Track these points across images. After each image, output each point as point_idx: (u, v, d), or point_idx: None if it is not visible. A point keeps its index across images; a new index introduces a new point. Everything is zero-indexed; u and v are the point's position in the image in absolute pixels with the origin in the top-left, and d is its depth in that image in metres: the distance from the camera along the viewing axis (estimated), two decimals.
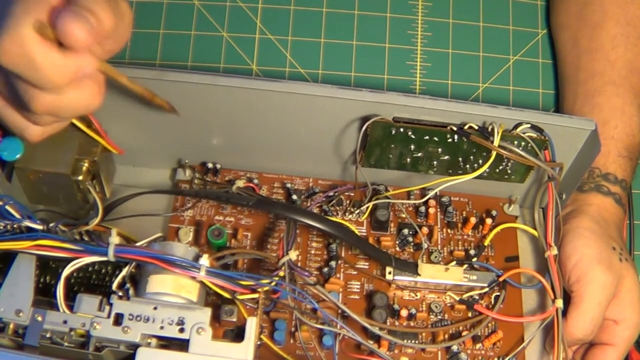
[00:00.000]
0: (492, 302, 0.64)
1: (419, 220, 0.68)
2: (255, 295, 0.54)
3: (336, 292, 0.64)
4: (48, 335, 0.51)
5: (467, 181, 0.62)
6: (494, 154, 0.60)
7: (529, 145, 0.61)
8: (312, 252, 0.66)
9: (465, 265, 0.64)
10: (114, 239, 0.52)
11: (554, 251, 0.61)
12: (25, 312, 0.51)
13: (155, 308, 0.51)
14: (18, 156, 0.60)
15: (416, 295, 0.65)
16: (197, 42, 0.78)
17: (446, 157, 0.63)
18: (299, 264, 0.65)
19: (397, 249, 0.67)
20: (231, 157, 0.68)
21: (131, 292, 0.53)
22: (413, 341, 0.63)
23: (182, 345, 0.51)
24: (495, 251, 0.67)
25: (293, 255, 0.57)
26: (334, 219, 0.67)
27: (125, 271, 0.53)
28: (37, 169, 0.61)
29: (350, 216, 0.68)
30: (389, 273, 0.63)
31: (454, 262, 0.65)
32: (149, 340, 0.52)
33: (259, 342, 0.55)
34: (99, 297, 0.52)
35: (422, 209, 0.67)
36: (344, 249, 0.66)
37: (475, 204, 0.70)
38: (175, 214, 0.67)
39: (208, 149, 0.68)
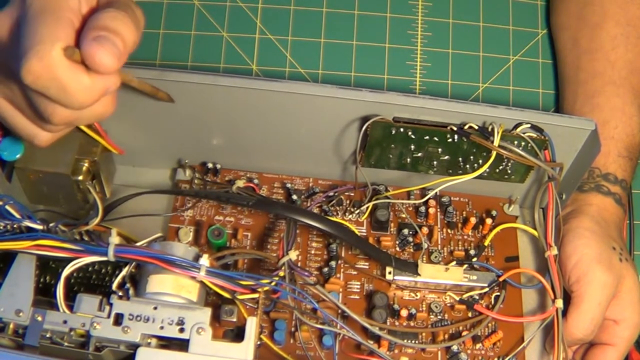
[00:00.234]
0: (492, 302, 0.64)
1: (419, 220, 0.68)
2: (255, 295, 0.54)
3: (336, 292, 0.64)
4: (48, 335, 0.51)
5: (467, 181, 0.62)
6: (494, 154, 0.60)
7: (529, 145, 0.61)
8: (312, 252, 0.66)
9: (465, 265, 0.64)
10: (114, 239, 0.52)
11: (554, 251, 0.61)
12: (25, 312, 0.51)
13: (155, 308, 0.51)
14: (18, 156, 0.60)
15: (416, 295, 0.65)
16: (197, 42, 0.78)
17: (446, 157, 0.63)
18: (299, 264, 0.65)
19: (397, 249, 0.67)
20: (231, 157, 0.68)
21: (131, 292, 0.53)
22: (413, 341, 0.63)
23: (182, 345, 0.51)
24: (495, 251, 0.67)
25: (293, 255, 0.57)
26: (334, 219, 0.67)
27: (125, 271, 0.53)
28: (37, 169, 0.61)
29: (350, 216, 0.68)
30: (389, 273, 0.63)
31: (454, 262, 0.65)
32: (149, 340, 0.52)
33: (259, 342, 0.55)
34: (99, 297, 0.52)
35: (422, 209, 0.67)
36: (344, 249, 0.66)
37: (475, 204, 0.70)
38: (175, 214, 0.67)
39: (208, 149, 0.68)
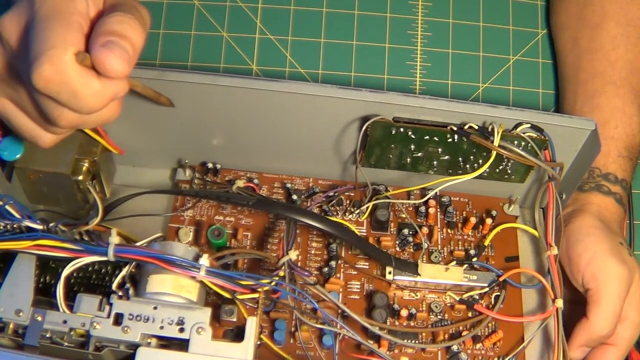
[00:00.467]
0: (492, 302, 0.64)
1: (419, 220, 0.68)
2: (255, 295, 0.54)
3: (336, 292, 0.64)
4: (48, 335, 0.51)
5: (467, 181, 0.62)
6: (494, 154, 0.60)
7: (529, 145, 0.61)
8: (312, 252, 0.66)
9: (465, 265, 0.64)
10: (114, 239, 0.52)
11: (554, 251, 0.61)
12: (25, 312, 0.51)
13: (155, 308, 0.51)
14: (18, 156, 0.60)
15: (416, 295, 0.65)
16: (197, 42, 0.78)
17: (446, 157, 0.63)
18: (299, 264, 0.65)
19: (397, 249, 0.67)
20: (231, 157, 0.68)
21: (131, 292, 0.53)
22: (413, 341, 0.62)
23: (182, 345, 0.51)
24: (495, 251, 0.67)
25: (293, 255, 0.57)
26: (334, 219, 0.67)
27: (125, 271, 0.53)
28: (37, 169, 0.61)
29: (350, 216, 0.68)
30: (389, 273, 0.63)
31: (454, 262, 0.65)
32: (149, 340, 0.52)
33: (259, 342, 0.55)
34: (99, 297, 0.52)
35: (422, 209, 0.67)
36: (344, 249, 0.66)
37: (475, 204, 0.70)
38: (175, 214, 0.67)
39: (208, 149, 0.68)
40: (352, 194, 0.69)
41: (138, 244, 0.53)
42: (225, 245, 0.65)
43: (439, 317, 0.64)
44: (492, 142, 0.59)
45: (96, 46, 0.46)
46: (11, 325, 0.52)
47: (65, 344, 0.52)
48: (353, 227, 0.66)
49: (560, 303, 0.60)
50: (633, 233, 0.74)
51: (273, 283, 0.55)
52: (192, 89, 0.59)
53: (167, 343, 0.52)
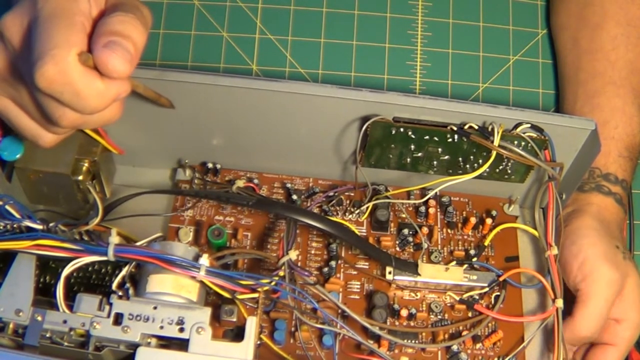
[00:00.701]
0: (492, 302, 0.64)
1: (419, 220, 0.68)
2: (255, 295, 0.54)
3: (336, 292, 0.64)
4: (48, 335, 0.51)
5: (467, 181, 0.62)
6: (494, 153, 0.60)
7: (529, 145, 0.61)
8: (312, 252, 0.66)
9: (465, 265, 0.64)
10: (114, 239, 0.52)
11: (554, 251, 0.61)
12: (25, 312, 0.51)
13: (155, 308, 0.51)
14: (18, 156, 0.60)
15: (416, 295, 0.65)
16: (197, 42, 0.78)
17: (446, 157, 0.63)
18: (299, 264, 0.65)
19: (397, 249, 0.67)
20: (231, 157, 0.68)
21: (131, 291, 0.53)
22: (413, 341, 0.62)
23: (182, 345, 0.51)
24: (495, 251, 0.67)
25: (293, 255, 0.57)
26: (334, 219, 0.67)
27: (125, 271, 0.53)
28: (37, 169, 0.61)
29: (350, 216, 0.68)
30: (389, 273, 0.63)
31: (454, 262, 0.65)
32: (148, 340, 0.52)
33: (259, 342, 0.55)
34: (99, 296, 0.52)
35: (422, 209, 0.67)
36: (344, 249, 0.66)
37: (475, 204, 0.70)
38: (175, 214, 0.67)
39: (208, 149, 0.68)
40: (352, 194, 0.69)
41: (138, 244, 0.53)
42: (225, 245, 0.65)
43: (439, 317, 0.64)
44: (492, 142, 0.59)
45: (98, 46, 0.46)
46: (11, 325, 0.52)
47: (65, 343, 0.52)
48: (353, 227, 0.66)
49: (560, 303, 0.60)
50: (633, 233, 0.74)
51: (273, 283, 0.55)
52: (192, 89, 0.59)
53: (167, 343, 0.52)
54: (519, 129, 0.60)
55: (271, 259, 0.60)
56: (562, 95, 0.77)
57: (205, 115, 0.63)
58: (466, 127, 0.60)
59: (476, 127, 0.60)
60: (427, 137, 0.61)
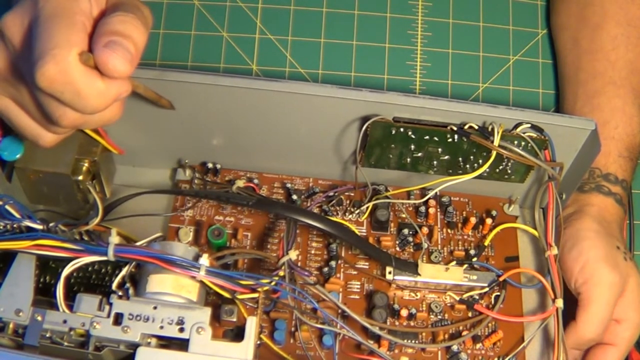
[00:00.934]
0: (492, 302, 0.64)
1: (419, 220, 0.68)
2: (255, 295, 0.54)
3: (336, 292, 0.64)
4: (48, 335, 0.51)
5: (467, 181, 0.62)
6: (494, 153, 0.60)
7: (529, 145, 0.61)
8: (312, 252, 0.66)
9: (466, 265, 0.64)
10: (114, 239, 0.52)
11: (554, 251, 0.61)
12: (25, 312, 0.51)
13: (155, 308, 0.51)
14: (18, 156, 0.60)
15: (416, 295, 0.65)
16: (197, 42, 0.78)
17: (446, 157, 0.63)
18: (299, 264, 0.65)
19: (397, 249, 0.67)
20: (231, 157, 0.68)
21: (131, 291, 0.53)
22: (413, 341, 0.62)
23: (182, 344, 0.51)
24: (495, 251, 0.67)
25: (293, 255, 0.57)
26: (334, 219, 0.67)
27: (125, 271, 0.53)
28: (37, 169, 0.61)
29: (350, 216, 0.68)
30: (389, 273, 0.63)
31: (454, 262, 0.65)
32: (148, 340, 0.52)
33: (259, 342, 0.55)
34: (99, 296, 0.52)
35: (422, 209, 0.67)
36: (344, 249, 0.66)
37: (475, 204, 0.70)
38: (175, 214, 0.67)
39: (208, 149, 0.68)
40: (352, 194, 0.69)
41: (138, 244, 0.53)
42: (225, 245, 0.65)
43: (439, 317, 0.64)
44: (492, 142, 0.59)
45: (99, 46, 0.46)
46: (11, 325, 0.52)
47: (65, 343, 0.52)
48: (353, 227, 0.66)
49: (560, 303, 0.60)
50: (633, 233, 0.74)
51: (273, 283, 0.55)
52: (192, 89, 0.59)
53: (167, 343, 0.52)
54: (519, 129, 0.60)
55: (271, 259, 0.60)
56: (562, 95, 0.77)
57: (205, 115, 0.63)
58: (466, 127, 0.60)
59: (476, 127, 0.60)
60: (427, 137, 0.61)
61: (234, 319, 0.56)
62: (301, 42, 0.79)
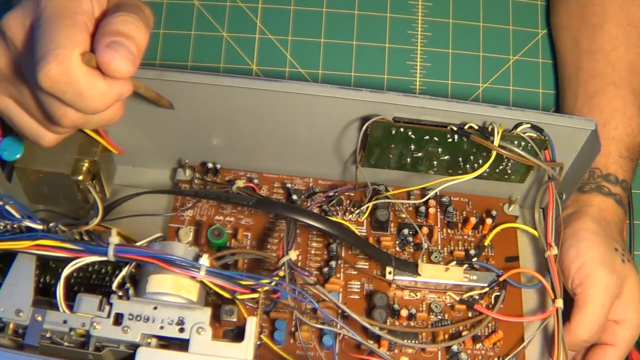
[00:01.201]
0: (492, 302, 0.64)
1: (419, 220, 0.68)
2: (255, 295, 0.54)
3: (336, 292, 0.64)
4: (48, 335, 0.51)
5: (467, 181, 0.62)
6: (494, 154, 0.60)
7: (529, 145, 0.61)
8: (312, 252, 0.66)
9: (466, 265, 0.64)
10: (114, 239, 0.52)
11: (554, 251, 0.61)
12: (25, 312, 0.51)
13: (155, 308, 0.51)
14: (18, 156, 0.60)
15: (416, 295, 0.65)
16: (197, 42, 0.78)
17: (446, 157, 0.63)
18: (299, 264, 0.65)
19: (397, 249, 0.67)
20: (231, 157, 0.68)
21: (131, 292, 0.53)
22: (413, 341, 0.62)
23: (182, 345, 0.51)
24: (495, 251, 0.67)
25: (293, 255, 0.57)
26: (334, 219, 0.67)
27: (125, 271, 0.53)
28: (37, 169, 0.61)
29: (350, 216, 0.68)
30: (389, 273, 0.63)
31: (454, 262, 0.65)
32: (149, 340, 0.52)
33: (259, 342, 0.55)
34: (99, 297, 0.52)
35: (422, 209, 0.67)
36: (344, 249, 0.66)
37: (475, 204, 0.70)
38: (175, 214, 0.67)
39: (208, 149, 0.68)
40: (352, 194, 0.69)
41: (138, 244, 0.53)
42: (225, 245, 0.65)
43: (439, 317, 0.64)
44: (492, 142, 0.59)
45: (101, 47, 0.46)
46: (11, 325, 0.51)
47: (65, 344, 0.52)
48: (353, 227, 0.66)
49: (560, 303, 0.60)
50: (633, 233, 0.74)
51: (273, 283, 0.55)
52: (192, 89, 0.59)
53: (167, 343, 0.52)
54: (519, 129, 0.60)
55: (271, 259, 0.59)
56: (562, 96, 0.77)
57: (205, 115, 0.63)
58: (466, 127, 0.60)
59: (476, 127, 0.60)
60: (427, 137, 0.61)
61: (234, 319, 0.56)
62: (301, 42, 0.79)
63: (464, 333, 0.62)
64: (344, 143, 0.65)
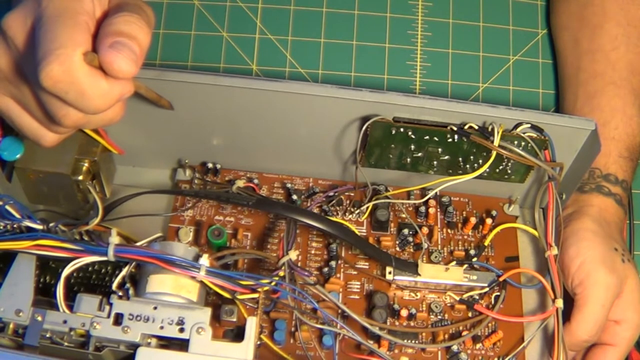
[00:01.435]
0: (492, 302, 0.64)
1: (419, 220, 0.68)
2: (255, 295, 0.54)
3: (336, 292, 0.64)
4: (48, 335, 0.51)
5: (467, 181, 0.62)
6: (494, 154, 0.60)
7: (529, 145, 0.61)
8: (312, 252, 0.66)
9: (466, 265, 0.64)
10: (114, 239, 0.52)
11: (554, 251, 0.61)
12: (25, 312, 0.51)
13: (155, 308, 0.51)
14: (18, 156, 0.60)
15: (416, 295, 0.65)
16: (197, 42, 0.78)
17: (446, 157, 0.63)
18: (299, 264, 0.65)
19: (397, 249, 0.67)
20: (231, 157, 0.68)
21: (131, 292, 0.53)
22: (413, 341, 0.62)
23: (182, 345, 0.51)
24: (495, 251, 0.67)
25: (293, 255, 0.57)
26: (334, 219, 0.67)
27: (125, 271, 0.53)
28: (37, 169, 0.61)
29: (350, 216, 0.68)
30: (389, 273, 0.63)
31: (454, 262, 0.65)
32: (149, 340, 0.51)
33: (259, 342, 0.55)
34: (99, 297, 0.52)
35: (422, 209, 0.67)
36: (344, 249, 0.66)
37: (475, 204, 0.70)
38: (175, 214, 0.67)
39: (208, 149, 0.68)
40: (352, 194, 0.69)
41: (138, 244, 0.53)
42: (225, 245, 0.65)
43: (439, 317, 0.64)
44: (492, 142, 0.59)
45: (104, 47, 0.46)
46: (11, 325, 0.51)
47: (65, 344, 0.52)
48: (353, 227, 0.66)
49: (560, 303, 0.60)
50: (633, 233, 0.74)
51: (273, 283, 0.55)
52: (192, 89, 0.59)
53: (167, 343, 0.52)
54: (519, 129, 0.60)
55: (271, 259, 0.59)
56: (562, 96, 0.77)
57: (205, 115, 0.63)
58: (466, 127, 0.60)
59: (476, 127, 0.60)
60: (427, 137, 0.61)
61: (234, 319, 0.56)
62: (301, 42, 0.79)
63: (464, 333, 0.62)
64: (344, 143, 0.65)
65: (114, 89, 0.47)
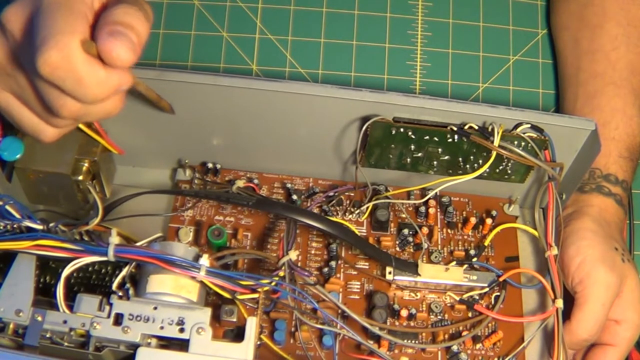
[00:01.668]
0: (492, 302, 0.64)
1: (419, 220, 0.68)
2: (255, 295, 0.54)
3: (336, 292, 0.64)
4: (48, 335, 0.51)
5: (467, 181, 0.62)
6: (494, 154, 0.60)
7: (529, 145, 0.61)
8: (312, 252, 0.66)
9: (466, 265, 0.64)
10: (114, 239, 0.52)
11: (554, 251, 0.61)
12: (25, 312, 0.51)
13: (155, 308, 0.51)
14: (18, 156, 0.60)
15: (416, 295, 0.65)
16: (197, 42, 0.78)
17: (446, 157, 0.63)
18: (299, 264, 0.65)
19: (397, 249, 0.67)
20: (231, 157, 0.68)
21: (131, 292, 0.53)
22: (413, 341, 0.62)
23: (182, 345, 0.51)
24: (495, 251, 0.67)
25: (293, 255, 0.57)
26: (334, 219, 0.67)
27: (125, 271, 0.53)
28: (37, 169, 0.61)
29: (350, 216, 0.68)
30: (389, 273, 0.63)
31: (454, 262, 0.65)
32: (149, 340, 0.51)
33: (259, 342, 0.55)
34: (99, 297, 0.52)
35: (422, 209, 0.67)
36: (344, 249, 0.66)
37: (475, 204, 0.70)
38: (175, 214, 0.67)
39: (208, 149, 0.68)
40: (352, 194, 0.69)
41: (138, 244, 0.53)
42: (225, 245, 0.65)
43: (439, 317, 0.64)
44: (492, 142, 0.59)
45: (103, 34, 0.46)
46: (11, 325, 0.51)
47: (65, 344, 0.52)
48: (353, 227, 0.66)
49: (560, 303, 0.60)
50: (633, 233, 0.74)
51: (273, 283, 0.55)
52: (192, 89, 0.59)
53: (167, 343, 0.52)
54: (519, 129, 0.60)
55: (271, 259, 0.59)
56: (562, 96, 0.77)
57: (205, 115, 0.63)
58: (466, 127, 0.60)
59: (476, 127, 0.60)
60: (427, 137, 0.61)
61: (234, 319, 0.56)
62: (301, 42, 0.79)
63: (464, 333, 0.62)
64: (344, 143, 0.65)
65: (111, 78, 0.47)
